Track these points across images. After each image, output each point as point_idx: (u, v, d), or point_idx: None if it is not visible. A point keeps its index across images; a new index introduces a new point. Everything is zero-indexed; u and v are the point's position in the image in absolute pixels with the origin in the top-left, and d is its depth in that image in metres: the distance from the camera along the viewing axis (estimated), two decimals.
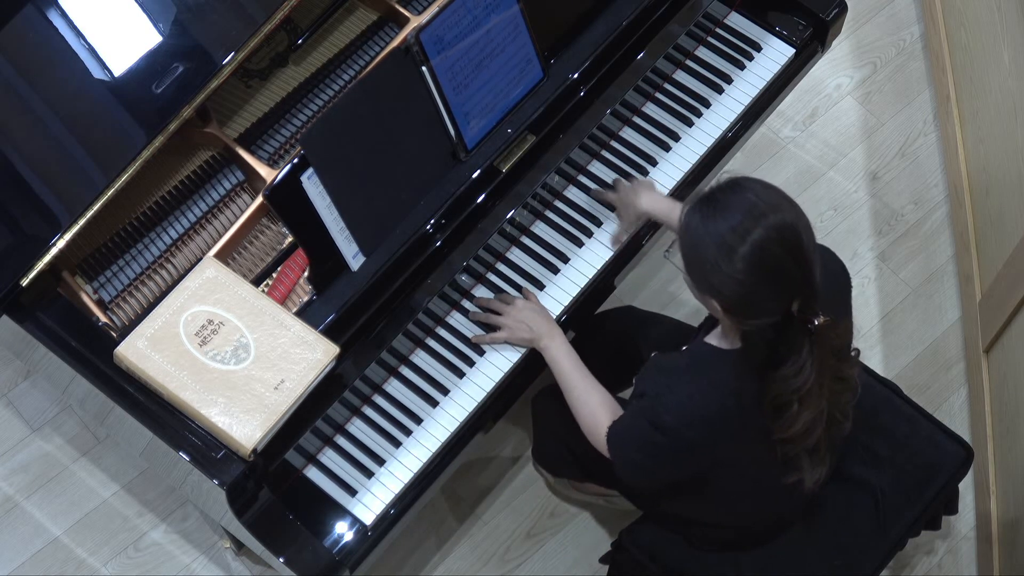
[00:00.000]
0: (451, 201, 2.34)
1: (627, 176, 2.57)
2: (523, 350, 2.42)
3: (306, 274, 2.25)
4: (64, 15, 2.28)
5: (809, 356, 1.96)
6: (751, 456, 2.13)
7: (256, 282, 2.27)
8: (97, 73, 2.26)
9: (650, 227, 2.55)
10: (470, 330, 2.43)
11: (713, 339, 2.11)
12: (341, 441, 2.34)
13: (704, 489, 2.23)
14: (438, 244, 2.34)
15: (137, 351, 2.09)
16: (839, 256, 2.22)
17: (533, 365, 2.44)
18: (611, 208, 2.54)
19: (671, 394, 2.08)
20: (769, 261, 1.89)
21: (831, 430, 2.10)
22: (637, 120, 2.63)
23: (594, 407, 2.27)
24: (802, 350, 1.95)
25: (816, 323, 1.93)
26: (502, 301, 2.42)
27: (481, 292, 2.46)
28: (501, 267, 2.49)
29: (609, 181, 2.56)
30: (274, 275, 2.29)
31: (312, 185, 2.18)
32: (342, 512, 2.29)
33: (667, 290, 3.19)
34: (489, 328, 2.41)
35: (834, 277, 2.15)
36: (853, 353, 2.12)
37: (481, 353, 2.42)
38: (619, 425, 2.20)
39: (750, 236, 1.88)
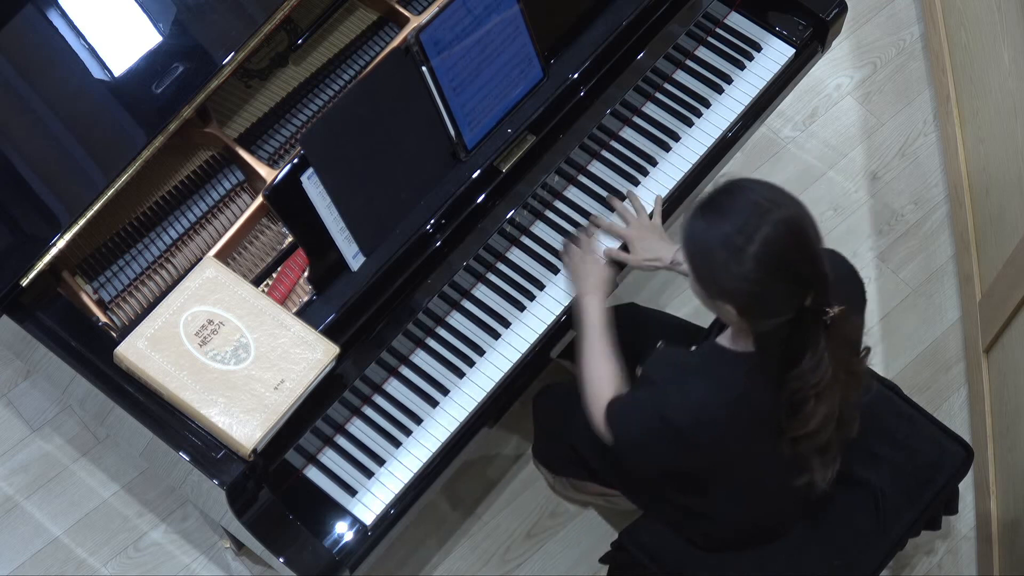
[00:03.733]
0: (451, 201, 2.34)
1: (638, 169, 2.57)
2: (523, 350, 2.42)
3: (306, 274, 2.25)
4: (64, 15, 2.28)
5: (825, 349, 1.96)
6: (757, 458, 2.13)
7: (256, 282, 2.27)
8: (97, 73, 2.26)
9: None
10: (470, 330, 2.43)
11: (724, 340, 2.10)
12: (341, 441, 2.34)
13: (708, 486, 2.23)
14: (438, 244, 2.34)
15: (137, 351, 2.09)
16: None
17: (533, 365, 2.44)
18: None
19: (681, 394, 2.08)
20: (779, 256, 1.89)
21: (841, 430, 2.10)
22: (637, 120, 2.63)
23: (602, 376, 2.25)
24: (819, 343, 1.95)
25: (831, 313, 1.93)
26: (583, 238, 2.45)
27: (481, 292, 2.46)
28: (501, 267, 2.49)
29: (610, 181, 2.56)
30: (274, 275, 2.29)
31: (312, 185, 2.18)
32: (342, 512, 2.29)
33: (667, 290, 3.19)
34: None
35: (845, 280, 2.15)
36: (864, 351, 2.12)
37: (481, 353, 2.42)
38: (622, 404, 2.19)
39: (758, 234, 1.88)
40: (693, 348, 2.24)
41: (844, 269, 2.18)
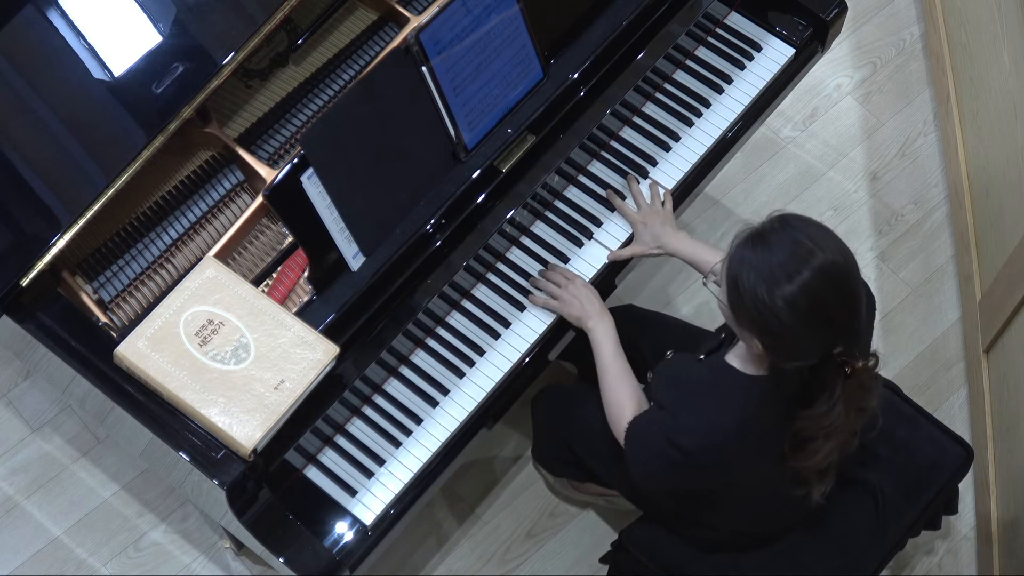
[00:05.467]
0: (451, 201, 2.34)
1: (637, 170, 2.57)
2: (523, 350, 2.42)
3: (306, 274, 2.25)
4: (64, 15, 2.28)
5: (840, 397, 1.95)
6: (762, 474, 2.13)
7: (256, 282, 2.27)
8: (97, 73, 2.26)
9: None
10: (470, 330, 2.43)
11: (736, 361, 2.09)
12: (341, 441, 2.34)
13: (711, 498, 2.24)
14: (438, 244, 2.34)
15: (137, 351, 2.09)
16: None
17: (533, 366, 2.44)
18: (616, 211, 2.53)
19: (691, 415, 2.08)
20: (816, 303, 1.87)
21: (840, 449, 2.10)
22: (637, 120, 2.63)
23: (623, 397, 2.28)
24: (834, 391, 1.94)
25: (856, 366, 1.93)
26: (563, 275, 2.43)
27: (481, 292, 2.46)
28: (501, 267, 2.49)
29: (610, 181, 2.56)
30: (274, 275, 2.29)
31: (312, 185, 2.18)
32: (342, 512, 2.29)
33: (667, 289, 3.19)
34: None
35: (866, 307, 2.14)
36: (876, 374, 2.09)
37: (481, 353, 2.42)
38: (638, 426, 2.20)
39: (798, 276, 1.86)
40: (701, 357, 2.24)
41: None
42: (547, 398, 2.68)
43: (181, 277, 2.25)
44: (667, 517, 2.42)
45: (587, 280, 2.48)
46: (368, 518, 2.29)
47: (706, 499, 2.25)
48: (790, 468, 2.07)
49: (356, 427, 2.36)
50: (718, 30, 2.72)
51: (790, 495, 2.13)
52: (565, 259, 2.50)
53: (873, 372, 2.03)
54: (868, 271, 3.26)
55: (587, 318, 2.37)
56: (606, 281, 2.52)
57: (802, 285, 1.86)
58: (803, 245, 1.88)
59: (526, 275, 2.48)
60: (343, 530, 2.28)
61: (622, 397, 2.28)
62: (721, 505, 2.26)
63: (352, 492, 2.31)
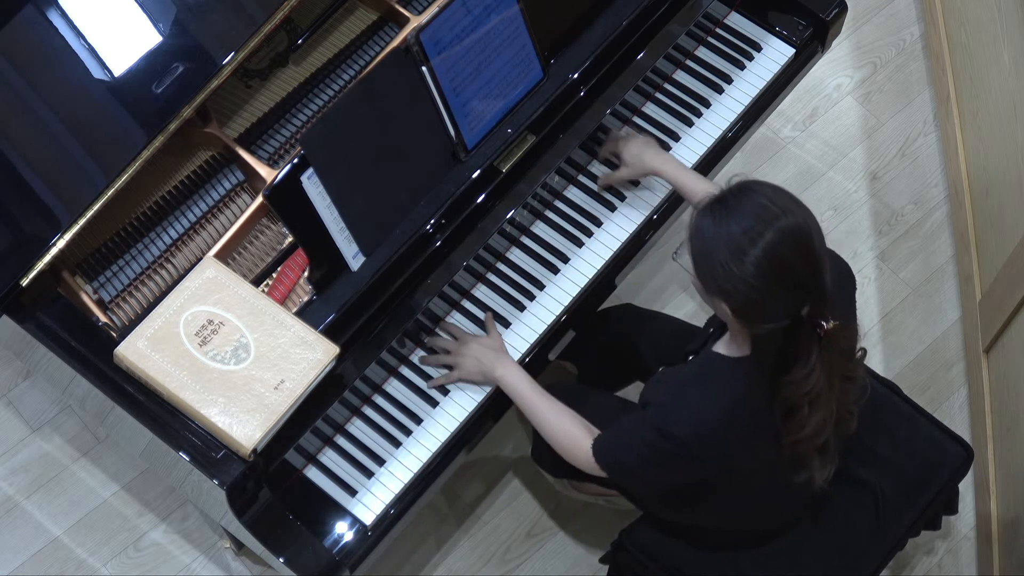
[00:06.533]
0: (451, 201, 2.34)
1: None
2: (522, 350, 2.42)
3: (306, 274, 2.25)
4: (64, 15, 2.28)
5: (818, 360, 1.96)
6: (760, 460, 2.13)
7: (256, 282, 2.27)
8: (97, 73, 2.26)
9: (650, 226, 2.55)
10: (470, 331, 2.43)
11: (721, 347, 2.11)
12: (341, 441, 2.34)
13: (709, 495, 2.23)
14: (438, 244, 2.34)
15: (137, 351, 2.09)
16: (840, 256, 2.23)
17: (534, 366, 2.44)
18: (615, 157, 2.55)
19: (681, 405, 2.08)
20: (780, 264, 1.89)
21: (839, 428, 2.11)
22: (637, 120, 2.63)
23: (567, 427, 2.26)
24: (811, 354, 1.96)
25: (825, 327, 1.94)
26: (451, 334, 2.41)
27: (481, 292, 2.46)
28: (501, 267, 2.49)
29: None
30: (274, 275, 2.29)
31: (312, 185, 2.18)
32: (342, 512, 2.29)
33: (667, 289, 3.19)
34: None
35: (840, 279, 2.15)
36: (859, 353, 2.12)
37: None
38: (610, 438, 2.20)
39: (761, 239, 1.88)
40: (691, 359, 2.24)
41: (840, 268, 2.19)
42: None
43: (181, 277, 2.25)
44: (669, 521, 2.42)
45: (588, 280, 2.48)
46: (368, 518, 2.29)
47: (703, 496, 2.24)
48: (788, 451, 2.07)
49: (356, 427, 2.36)
50: (718, 30, 2.73)
51: (790, 484, 2.13)
52: (565, 259, 2.50)
53: (850, 337, 2.04)
54: (868, 271, 3.26)
55: (491, 371, 2.34)
56: (605, 281, 2.52)
57: (765, 247, 1.88)
58: (765, 208, 1.90)
59: (526, 275, 2.48)
60: (343, 530, 2.28)
61: (566, 427, 2.25)
62: (719, 501, 2.25)
63: (352, 492, 2.31)
